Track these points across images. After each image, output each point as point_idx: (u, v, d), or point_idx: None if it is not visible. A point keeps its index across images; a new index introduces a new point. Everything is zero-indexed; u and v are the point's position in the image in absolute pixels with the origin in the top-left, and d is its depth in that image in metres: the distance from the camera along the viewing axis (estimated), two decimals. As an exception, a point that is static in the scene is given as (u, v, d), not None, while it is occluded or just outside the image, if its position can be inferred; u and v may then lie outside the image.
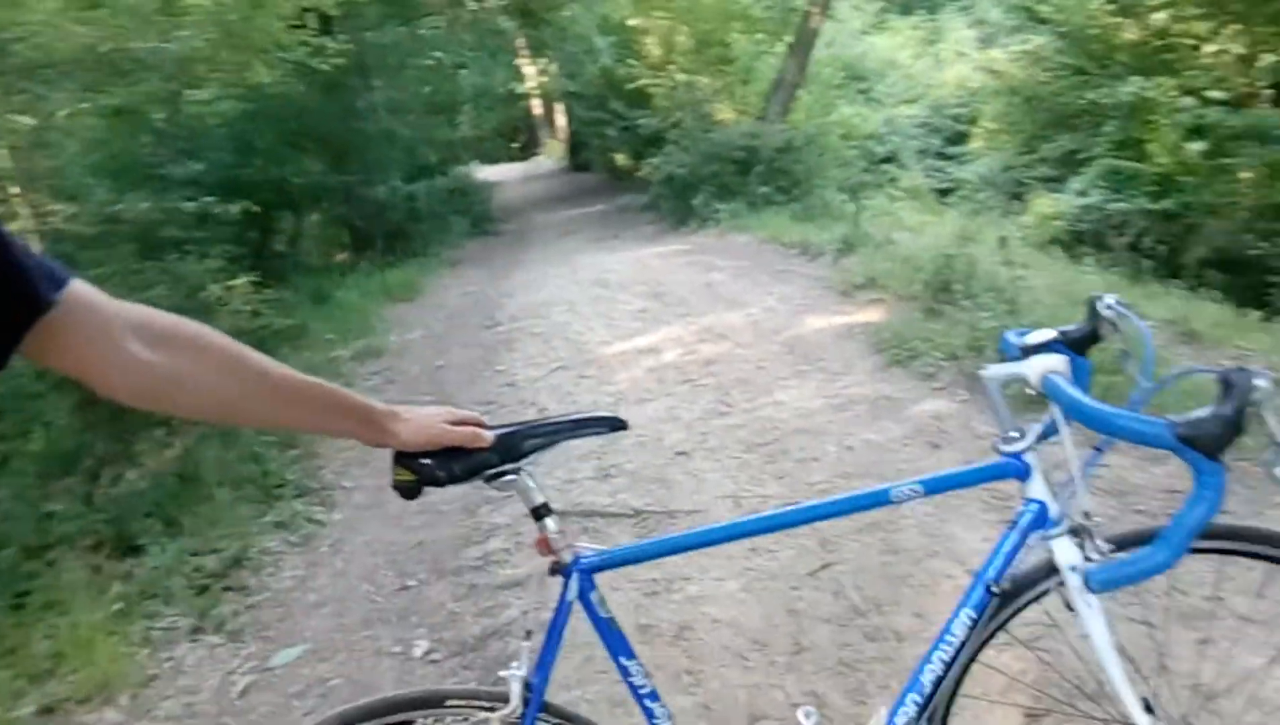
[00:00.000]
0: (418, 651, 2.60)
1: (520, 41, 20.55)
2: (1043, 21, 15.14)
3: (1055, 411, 1.19)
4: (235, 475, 3.73)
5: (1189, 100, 12.71)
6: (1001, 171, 16.25)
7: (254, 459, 3.88)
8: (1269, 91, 12.57)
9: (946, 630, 1.28)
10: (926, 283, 5.22)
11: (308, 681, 2.50)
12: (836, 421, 3.75)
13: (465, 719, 1.22)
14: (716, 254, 8.01)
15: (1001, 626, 1.31)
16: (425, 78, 12.18)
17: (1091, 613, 1.20)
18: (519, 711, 1.19)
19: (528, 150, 32.90)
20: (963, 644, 1.27)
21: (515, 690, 1.19)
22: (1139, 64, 13.47)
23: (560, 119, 23.62)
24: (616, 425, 1.20)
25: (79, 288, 0.81)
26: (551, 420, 1.19)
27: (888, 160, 17.73)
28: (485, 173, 18.49)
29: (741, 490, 3.25)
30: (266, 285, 5.61)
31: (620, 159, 16.16)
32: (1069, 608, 1.24)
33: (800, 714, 1.30)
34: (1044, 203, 12.87)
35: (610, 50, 14.29)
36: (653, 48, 12.82)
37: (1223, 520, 1.10)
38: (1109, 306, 1.29)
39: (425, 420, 1.10)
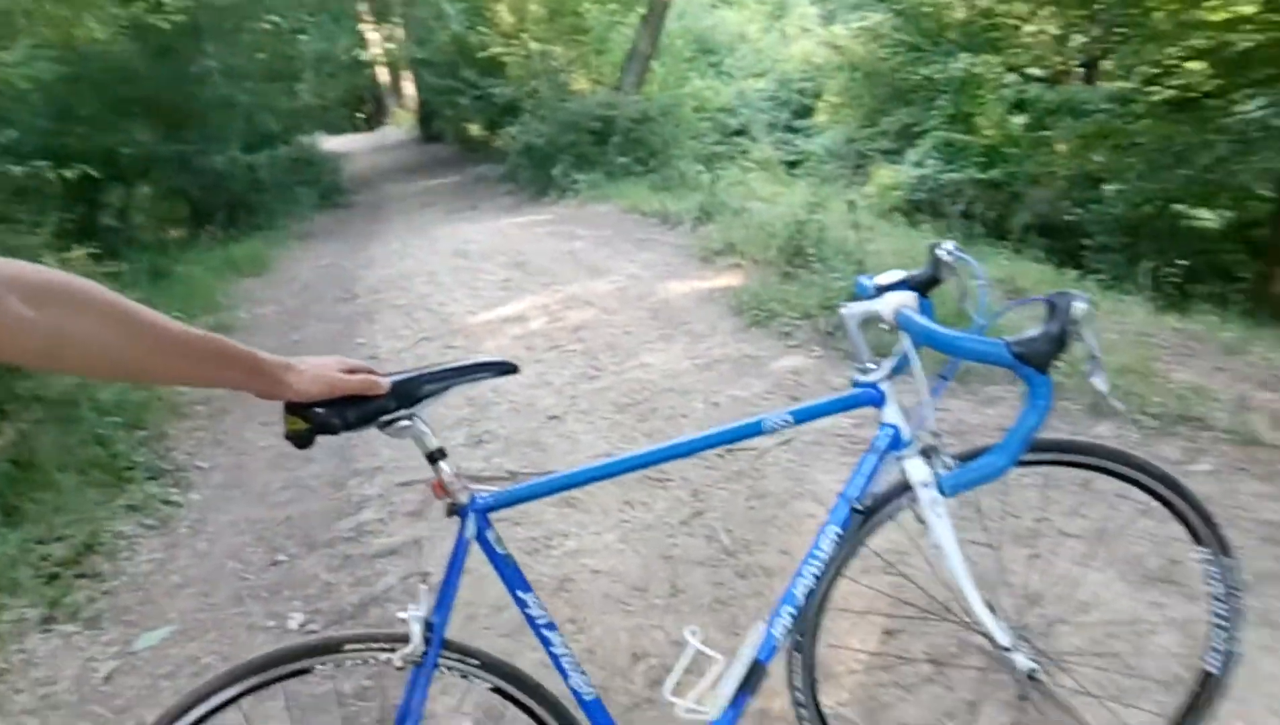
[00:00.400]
0: (293, 624, 2.56)
1: (364, 6, 19.79)
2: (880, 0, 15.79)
3: (906, 343, 1.32)
4: (79, 459, 3.51)
5: (1012, 76, 13.67)
6: (845, 144, 16.97)
7: (99, 442, 3.66)
8: (1080, 69, 13.65)
9: (815, 546, 1.40)
10: (780, 248, 5.45)
11: (177, 662, 2.42)
12: (702, 380, 3.90)
13: (365, 662, 1.24)
14: (578, 223, 8.05)
15: (863, 541, 1.45)
16: (262, 42, 11.55)
17: (941, 523, 1.35)
18: (420, 650, 1.22)
19: (374, 120, 31.73)
20: (831, 558, 1.40)
21: (415, 630, 1.23)
22: (968, 42, 14.30)
23: (409, 88, 22.91)
24: (506, 369, 1.24)
25: None
26: (443, 366, 1.21)
27: (739, 132, 18.18)
28: (331, 143, 17.78)
29: (615, 449, 3.34)
30: (102, 258, 5.25)
31: (474, 129, 15.88)
32: (920, 521, 1.39)
33: (686, 633, 1.40)
34: (884, 173, 13.55)
35: (460, 17, 13.95)
36: (505, 15, 12.63)
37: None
38: (947, 252, 1.43)
39: (319, 370, 1.11)
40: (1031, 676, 1.44)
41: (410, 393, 1.18)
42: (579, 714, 1.34)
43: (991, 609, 1.43)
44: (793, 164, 17.80)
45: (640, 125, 10.41)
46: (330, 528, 3.09)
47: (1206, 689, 1.53)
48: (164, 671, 2.37)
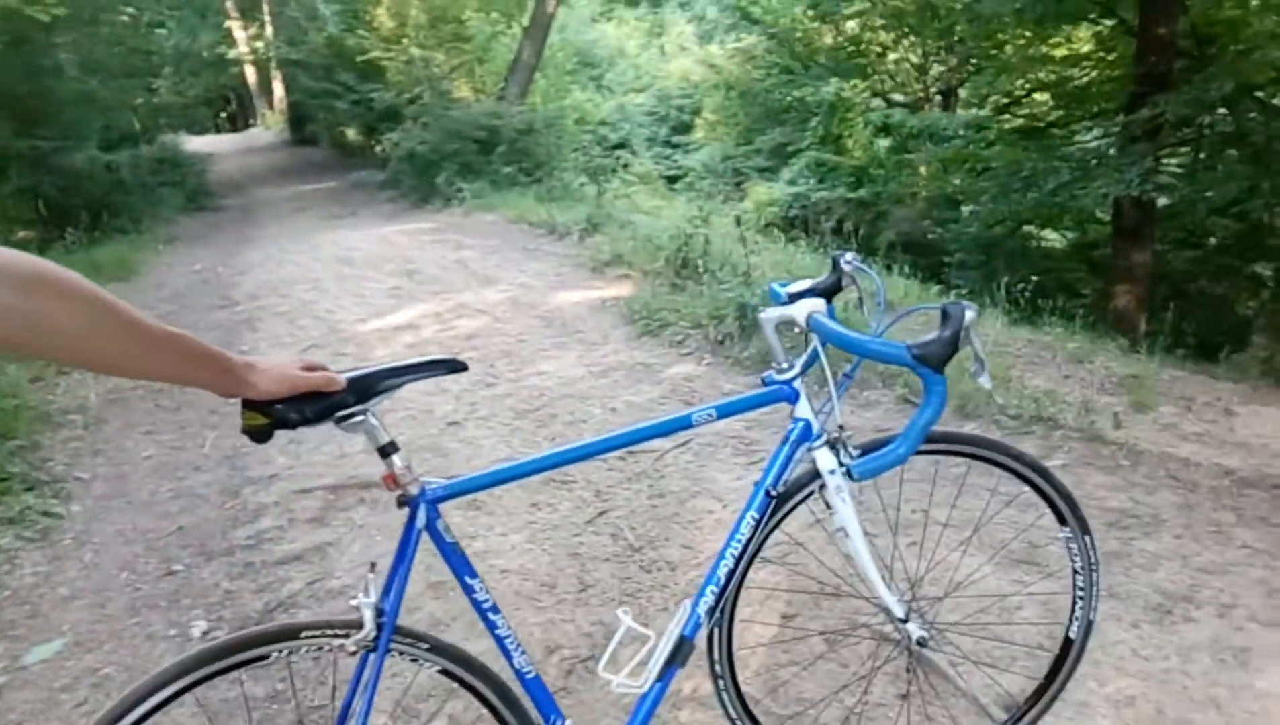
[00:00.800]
0: (196, 632, 2.52)
1: (231, 1, 19.05)
2: (754, 22, 16.37)
3: (816, 344, 1.48)
4: (-56, 472, 3.32)
5: (878, 102, 14.46)
6: (722, 161, 17.50)
7: (-36, 453, 3.46)
8: (939, 97, 14.57)
9: (735, 531, 1.53)
10: (668, 260, 5.64)
11: (74, 674, 2.34)
12: (598, 387, 4.01)
13: (320, 648, 1.29)
14: (464, 232, 8.03)
15: (777, 525, 1.59)
16: (120, 35, 10.99)
17: (847, 507, 1.51)
18: (373, 635, 1.28)
19: (240, 120, 30.44)
20: (749, 541, 1.53)
21: (368, 616, 1.29)
22: (836, 66, 15.01)
23: (279, 88, 22.12)
24: (455, 367, 1.32)
25: None
26: (396, 364, 1.28)
27: (619, 146, 18.45)
28: (195, 143, 17.01)
29: (516, 453, 3.41)
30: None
31: (351, 133, 15.53)
32: (828, 505, 1.54)
33: (619, 612, 1.50)
34: (760, 190, 14.07)
35: (336, 18, 13.64)
36: (384, 19, 12.43)
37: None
38: (848, 262, 1.59)
39: (279, 370, 1.16)
40: (921, 644, 1.61)
41: (365, 389, 1.23)
42: (520, 692, 1.42)
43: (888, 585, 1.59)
44: (672, 179, 18.21)
45: (525, 136, 10.46)
46: (227, 536, 3.03)
47: (1068, 654, 1.75)
48: (61, 684, 2.29)
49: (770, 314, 1.50)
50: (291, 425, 1.20)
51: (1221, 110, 8.27)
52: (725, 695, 1.65)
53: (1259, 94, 8.51)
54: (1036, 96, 13.10)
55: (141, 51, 12.62)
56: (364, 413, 1.24)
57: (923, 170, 12.82)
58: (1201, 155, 9.56)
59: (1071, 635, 1.73)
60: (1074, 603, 1.72)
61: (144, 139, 12.77)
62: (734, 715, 1.66)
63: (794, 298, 1.52)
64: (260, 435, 1.21)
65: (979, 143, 11.89)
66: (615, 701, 2.10)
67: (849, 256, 1.60)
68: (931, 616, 1.88)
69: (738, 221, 5.55)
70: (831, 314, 1.55)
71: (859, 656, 2.16)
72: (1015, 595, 2.30)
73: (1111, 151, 8.58)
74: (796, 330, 1.49)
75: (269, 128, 23.49)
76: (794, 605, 2.37)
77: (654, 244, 6.05)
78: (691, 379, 4.03)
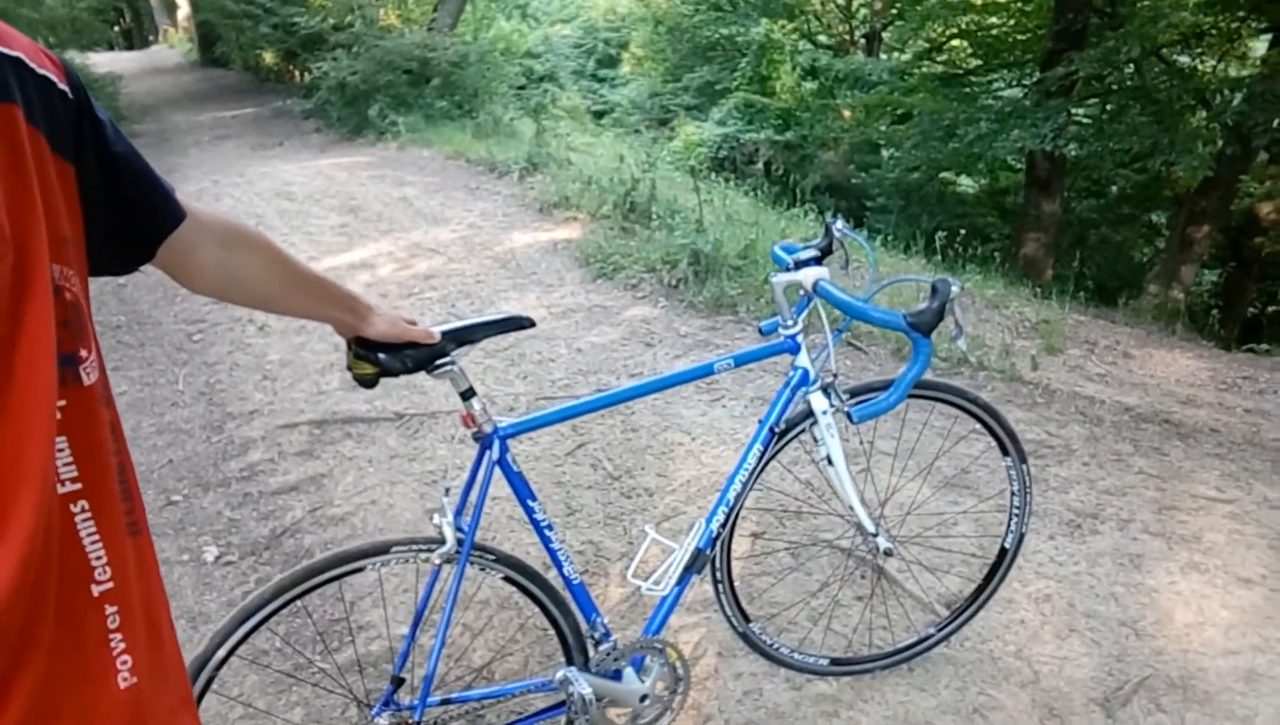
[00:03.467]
0: (209, 557, 2.70)
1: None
2: (685, -46, 16.26)
3: (819, 304, 1.75)
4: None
5: (805, 44, 14.68)
6: (649, 97, 17.53)
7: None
8: (863, 41, 14.87)
9: (743, 460, 1.81)
10: (615, 204, 5.82)
11: (100, 597, 2.51)
12: (561, 328, 4.23)
13: (408, 561, 1.53)
14: (402, 168, 8.01)
15: (775, 455, 1.87)
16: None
17: (834, 442, 1.80)
18: (455, 549, 1.52)
19: (135, 38, 28.74)
20: (753, 469, 1.81)
21: (449, 533, 1.52)
22: (765, 6, 15.10)
23: (184, 4, 20.98)
24: (526, 323, 1.54)
25: (179, 196, 0.93)
26: (478, 320, 1.49)
27: (546, 79, 18.26)
28: (94, 61, 16.09)
29: (491, 390, 3.63)
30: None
31: (269, 58, 14.94)
32: (816, 440, 1.83)
33: (646, 527, 1.78)
34: (690, 129, 14.22)
35: (255, -64, 13.05)
36: (307, -60, 11.97)
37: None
38: (839, 230, 1.86)
39: (393, 315, 1.35)
40: (888, 554, 1.93)
41: (456, 342, 1.45)
42: (566, 595, 1.69)
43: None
44: (599, 114, 18.17)
45: (458, 68, 10.34)
46: (219, 468, 3.18)
47: (1003, 560, 2.11)
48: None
49: (781, 278, 1.76)
50: (395, 373, 1.41)
51: (1129, 69, 8.79)
52: (724, 597, 1.95)
53: (1164, 53, 9.08)
54: (956, 43, 13.55)
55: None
56: (453, 363, 1.46)
57: (847, 115, 13.18)
58: (1109, 108, 10.15)
59: (1007, 545, 2.09)
60: (1010, 518, 2.07)
61: (45, 56, 12.08)
62: (730, 613, 1.97)
63: (799, 264, 1.78)
64: (369, 382, 1.42)
65: (901, 90, 12.30)
66: (613, 607, 2.39)
67: (839, 224, 1.86)
68: (893, 533, 2.22)
69: (692, 172, 5.76)
70: (820, 276, 1.82)
71: (821, 567, 2.50)
72: (955, 514, 2.67)
73: (1028, 105, 9.05)
74: (802, 293, 1.76)
75: (173, 47, 22.33)
76: (761, 524, 2.69)
77: (599, 186, 6.21)
78: (649, 321, 4.29)
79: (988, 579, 2.14)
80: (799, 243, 1.86)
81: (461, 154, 8.32)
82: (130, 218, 0.84)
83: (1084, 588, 2.39)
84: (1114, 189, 11.28)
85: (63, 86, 0.70)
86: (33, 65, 0.67)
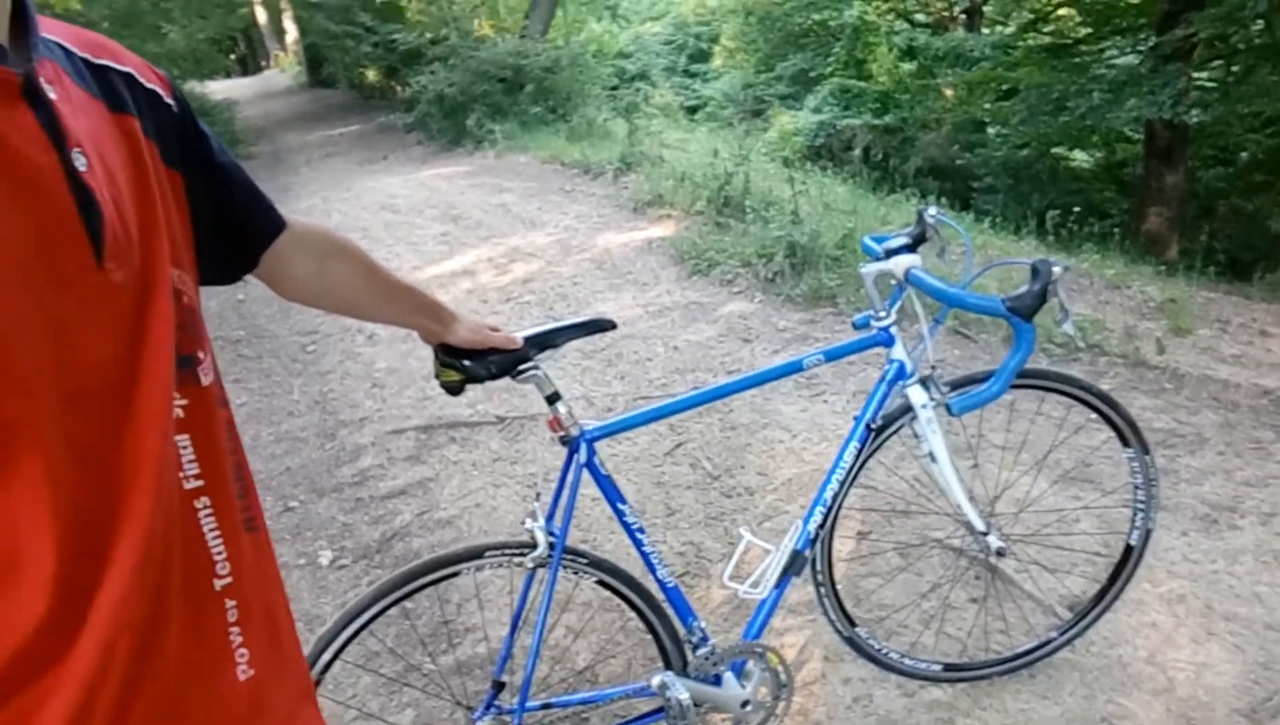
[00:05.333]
0: (324, 561, 2.79)
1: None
2: (772, -58, 16.01)
3: (911, 295, 1.67)
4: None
5: (901, 23, 14.25)
6: (742, 89, 17.34)
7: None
8: (963, 16, 14.32)
9: (839, 459, 1.74)
10: (709, 199, 5.77)
11: (223, 601, 2.63)
12: (657, 326, 4.21)
13: (501, 565, 1.53)
14: (501, 175, 8.15)
15: (873, 453, 1.80)
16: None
17: (936, 437, 1.71)
18: (546, 554, 1.52)
19: (249, 63, 30.22)
20: (851, 468, 1.75)
21: (540, 538, 1.52)
22: (858, -13, 14.69)
23: (292, 29, 21.93)
24: (607, 326, 1.53)
25: (275, 207, 0.96)
26: (559, 325, 1.48)
27: (639, 78, 18.29)
28: (211, 89, 17.00)
29: (590, 392, 3.64)
30: None
31: (371, 75, 15.47)
32: (917, 436, 1.75)
33: (742, 529, 1.74)
34: (784, 119, 13.98)
35: (353, -42, 13.54)
36: (403, -41, 12.35)
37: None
38: (932, 216, 1.77)
39: (475, 322, 1.36)
40: (1000, 554, 1.83)
41: (538, 346, 1.44)
42: (662, 599, 1.66)
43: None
44: (692, 109, 18.09)
45: (551, 73, 10.46)
46: (333, 474, 3.29)
47: (1129, 559, 1.97)
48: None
49: (870, 268, 1.69)
50: (480, 379, 1.41)
51: (1257, 25, 8.19)
52: (826, 600, 1.89)
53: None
54: (1063, 12, 12.89)
55: (152, -1, 12.57)
56: (537, 367, 1.45)
57: (949, 94, 12.73)
58: (1234, 70, 9.48)
59: (1132, 543, 1.95)
60: (1134, 514, 1.93)
61: (169, 88, 12.82)
62: (833, 616, 1.90)
63: (889, 253, 1.71)
64: (455, 388, 1.42)
65: (1005, 64, 11.78)
66: (714, 609, 2.35)
67: (932, 210, 1.78)
68: (1006, 532, 2.10)
69: (785, 164, 5.66)
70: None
71: (932, 567, 2.40)
72: (1075, 510, 2.52)
73: (1144, 72, 8.53)
74: (894, 283, 1.68)
75: (284, 70, 23.36)
76: (868, 523, 2.61)
77: (692, 182, 6.17)
78: (746, 317, 4.23)
79: (1113, 579, 2.00)
80: (894, 231, 1.78)
81: (556, 157, 8.40)
82: (234, 227, 0.88)
83: (1223, 588, 2.21)
84: (1244, 155, 10.52)
85: (169, 100, 0.74)
86: (142, 80, 0.71)
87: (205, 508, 0.67)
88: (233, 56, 29.16)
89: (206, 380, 0.70)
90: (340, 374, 4.16)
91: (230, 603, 0.69)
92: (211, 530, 0.67)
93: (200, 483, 0.67)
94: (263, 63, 29.05)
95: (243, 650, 0.70)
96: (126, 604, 0.56)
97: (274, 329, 4.86)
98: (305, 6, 16.38)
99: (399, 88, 13.90)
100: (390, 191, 7.80)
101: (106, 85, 0.66)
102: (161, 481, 0.60)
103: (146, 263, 0.62)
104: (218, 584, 0.68)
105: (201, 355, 0.70)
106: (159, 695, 0.60)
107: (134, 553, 0.57)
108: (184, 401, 0.66)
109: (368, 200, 7.54)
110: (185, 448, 0.66)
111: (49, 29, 0.63)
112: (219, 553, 0.68)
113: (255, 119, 15.14)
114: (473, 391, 3.81)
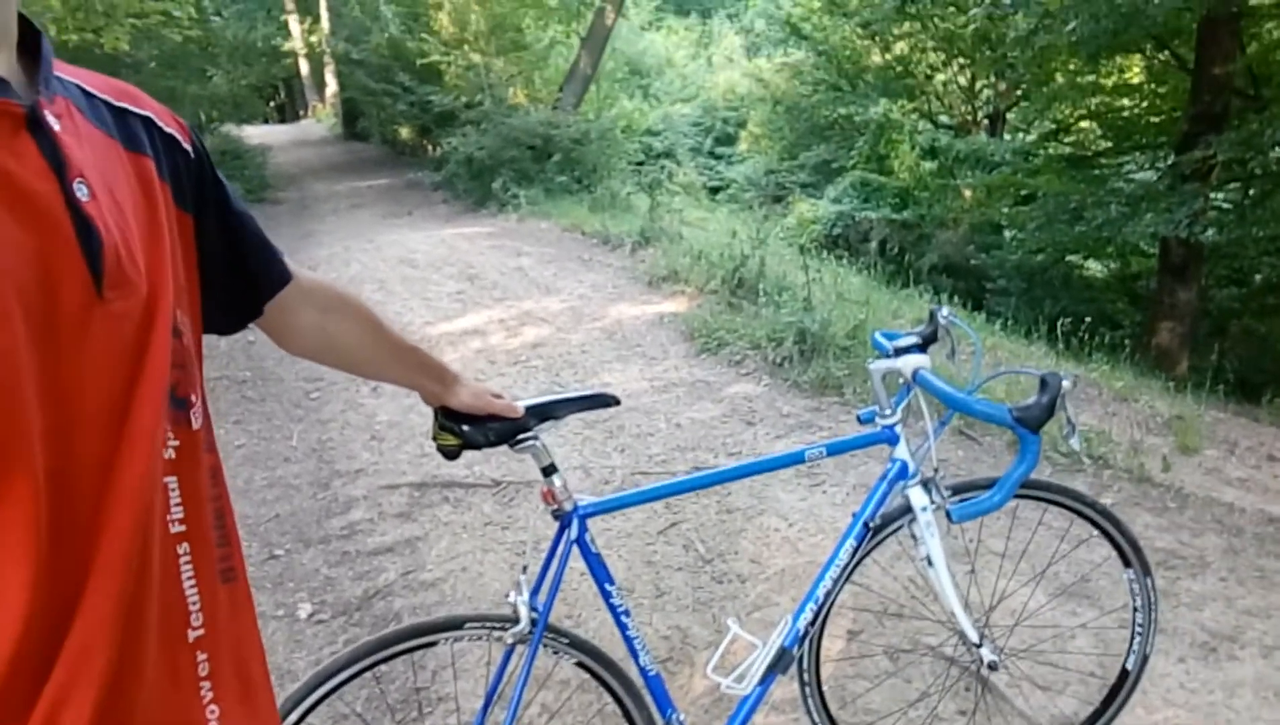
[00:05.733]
0: (302, 614, 2.74)
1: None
2: (803, 37, 16.51)
3: (919, 396, 1.66)
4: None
5: (925, 123, 14.56)
6: (765, 175, 17.70)
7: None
8: (985, 121, 14.63)
9: (834, 555, 1.71)
10: (724, 279, 5.82)
11: (197, 647, 2.57)
12: (662, 402, 4.21)
13: (482, 638, 1.50)
14: (521, 239, 8.26)
15: (869, 552, 1.77)
16: (182, 27, 11.33)
17: (934, 540, 1.69)
18: (528, 629, 1.48)
19: (288, 112, 30.98)
20: (846, 565, 1.71)
21: (523, 612, 1.48)
22: (884, 86, 15.10)
23: (332, 82, 22.53)
24: (610, 401, 1.52)
25: (284, 258, 0.96)
26: (562, 397, 1.47)
27: (664, 155, 18.69)
28: (248, 134, 17.41)
29: (589, 462, 3.61)
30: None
31: (404, 132, 15.83)
32: (914, 538, 1.72)
33: (729, 621, 1.70)
34: (804, 207, 14.22)
35: (398, 20, 13.97)
36: (446, 24, 12.72)
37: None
38: (944, 316, 1.77)
39: (477, 388, 1.35)
40: (992, 667, 1.78)
41: (538, 416, 1.43)
42: (641, 686, 1.62)
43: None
44: (715, 190, 18.43)
45: (579, 145, 10.69)
46: (322, 525, 3.26)
47: (1124, 683, 1.92)
48: (187, 656, 2.52)
49: (879, 365, 1.69)
50: (478, 446, 1.40)
51: (1275, 151, 8.32)
52: (811, 701, 1.83)
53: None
54: (1085, 125, 13.16)
55: (200, 43, 12.97)
56: (536, 438, 1.44)
57: (967, 194, 12.92)
58: (1251, 193, 9.60)
59: (1128, 667, 1.90)
60: (1132, 637, 1.89)
61: (205, 130, 13.15)
62: (817, 720, 1.85)
63: (899, 351, 1.70)
64: (452, 454, 1.41)
65: (1025, 170, 11.99)
66: (695, 700, 2.29)
67: (945, 311, 1.78)
68: (1000, 644, 2.05)
69: (801, 251, 5.73)
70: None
71: (922, 674, 2.34)
72: (1072, 627, 2.46)
73: (1161, 189, 8.65)
74: (901, 381, 1.68)
75: (320, 121, 23.93)
76: (858, 623, 2.55)
77: (708, 261, 6.24)
78: (751, 399, 4.22)
79: (1107, 703, 1.94)
80: (907, 328, 1.78)
81: (578, 226, 8.52)
82: (241, 274, 0.88)
83: (1220, 721, 2.14)
84: (1258, 277, 10.58)
85: (186, 146, 0.75)
86: (161, 124, 0.72)
87: (185, 554, 0.66)
88: (272, 104, 29.95)
89: (197, 424, 0.69)
90: (341, 423, 4.15)
91: (202, 655, 0.67)
92: (189, 579, 0.66)
93: (183, 528, 0.66)
94: (300, 112, 29.78)
95: (213, 707, 0.67)
96: (92, 656, 0.54)
97: (280, 372, 4.87)
98: (347, 62, 16.85)
99: (430, 146, 14.22)
100: (411, 246, 7.90)
101: (124, 126, 0.67)
102: (142, 523, 0.59)
103: (151, 296, 0.62)
104: (191, 635, 0.66)
105: (194, 398, 0.69)
106: None
107: (107, 600, 0.55)
108: (176, 442, 0.65)
109: (388, 253, 7.63)
110: (174, 490, 0.65)
111: (70, 72, 0.65)
112: (194, 603, 0.66)
113: (287, 165, 15.44)
114: (471, 453, 3.79)
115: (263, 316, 0.96)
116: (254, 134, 18.19)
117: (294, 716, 1.44)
